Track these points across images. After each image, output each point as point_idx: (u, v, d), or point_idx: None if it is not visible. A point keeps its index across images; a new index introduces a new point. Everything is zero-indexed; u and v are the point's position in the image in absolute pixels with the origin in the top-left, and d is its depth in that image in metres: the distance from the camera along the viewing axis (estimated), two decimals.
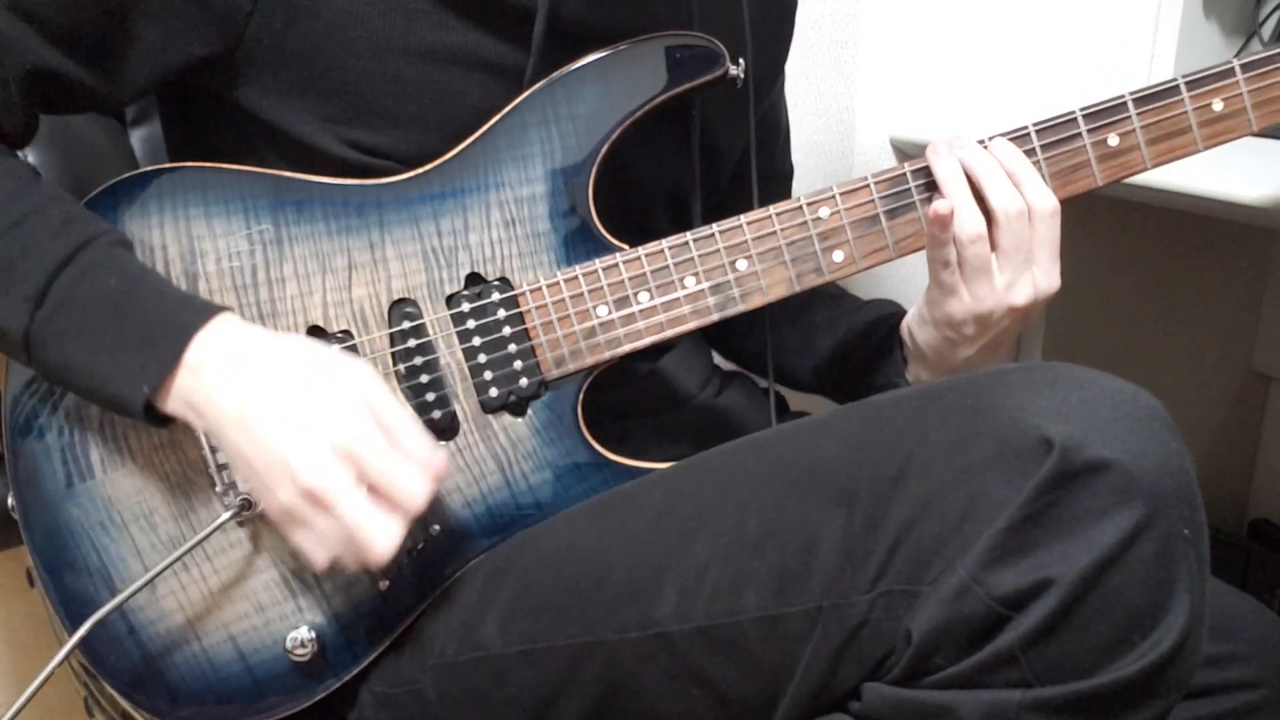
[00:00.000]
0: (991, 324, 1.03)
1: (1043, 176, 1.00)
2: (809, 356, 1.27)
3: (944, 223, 0.99)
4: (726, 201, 1.07)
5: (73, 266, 0.90)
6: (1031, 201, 0.98)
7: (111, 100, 1.00)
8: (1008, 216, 0.98)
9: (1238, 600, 1.07)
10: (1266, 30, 1.76)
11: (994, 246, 0.99)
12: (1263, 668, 1.02)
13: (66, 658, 0.93)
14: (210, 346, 0.89)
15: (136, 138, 1.29)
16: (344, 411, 0.86)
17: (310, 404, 0.87)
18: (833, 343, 1.25)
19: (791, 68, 1.31)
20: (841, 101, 1.64)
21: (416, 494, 0.87)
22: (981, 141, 1.01)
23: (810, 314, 1.28)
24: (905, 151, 1.65)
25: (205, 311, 0.90)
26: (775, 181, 1.31)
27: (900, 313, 1.17)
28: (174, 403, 0.89)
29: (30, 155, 1.05)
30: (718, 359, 1.31)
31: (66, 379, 0.92)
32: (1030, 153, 1.00)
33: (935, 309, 1.06)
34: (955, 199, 0.99)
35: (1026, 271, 1.00)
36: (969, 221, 0.99)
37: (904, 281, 1.58)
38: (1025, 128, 1.00)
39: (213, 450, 0.97)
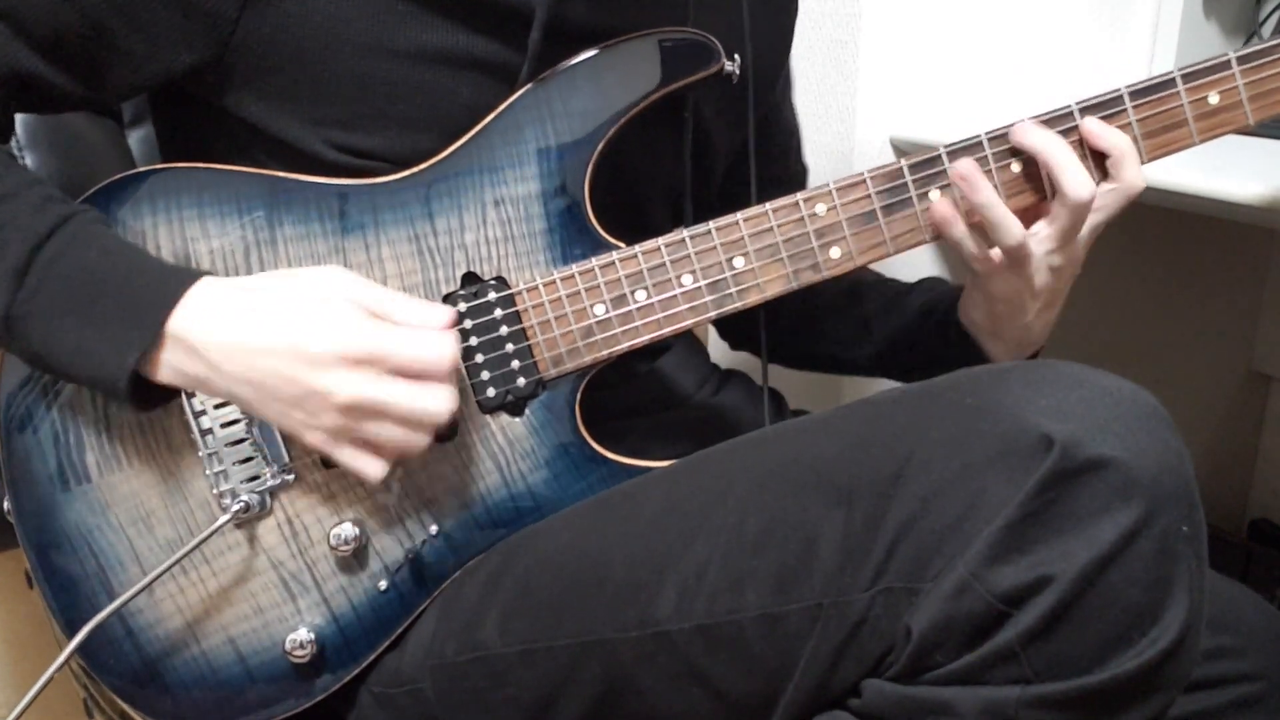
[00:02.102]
0: (1037, 293, 1.04)
1: (1043, 170, 1.00)
2: (867, 345, 1.27)
3: (949, 223, 1.00)
4: (733, 202, 1.07)
5: (54, 241, 0.90)
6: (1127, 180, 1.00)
7: (92, 104, 1.01)
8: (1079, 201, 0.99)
9: (1237, 593, 1.07)
10: (1267, 30, 1.76)
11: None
12: (1262, 660, 1.02)
13: (65, 664, 0.93)
14: (192, 312, 0.89)
15: (134, 138, 1.29)
16: (338, 322, 0.88)
17: (309, 329, 0.88)
18: (890, 329, 1.25)
19: (791, 67, 1.31)
20: (841, 101, 1.64)
21: (444, 355, 0.90)
22: (982, 138, 1.00)
23: (859, 305, 1.28)
24: (905, 151, 1.65)
25: (185, 279, 0.91)
26: (789, 184, 1.30)
27: (951, 292, 1.17)
28: (165, 371, 0.90)
29: (27, 155, 1.05)
30: (716, 357, 1.31)
31: (49, 358, 0.91)
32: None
33: (985, 290, 1.06)
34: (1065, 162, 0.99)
35: (1070, 245, 1.01)
36: (1083, 184, 0.99)
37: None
38: (1022, 121, 1.00)
39: (210, 454, 0.97)
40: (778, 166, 1.31)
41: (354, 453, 0.90)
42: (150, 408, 0.94)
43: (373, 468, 0.90)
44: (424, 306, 0.91)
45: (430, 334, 0.90)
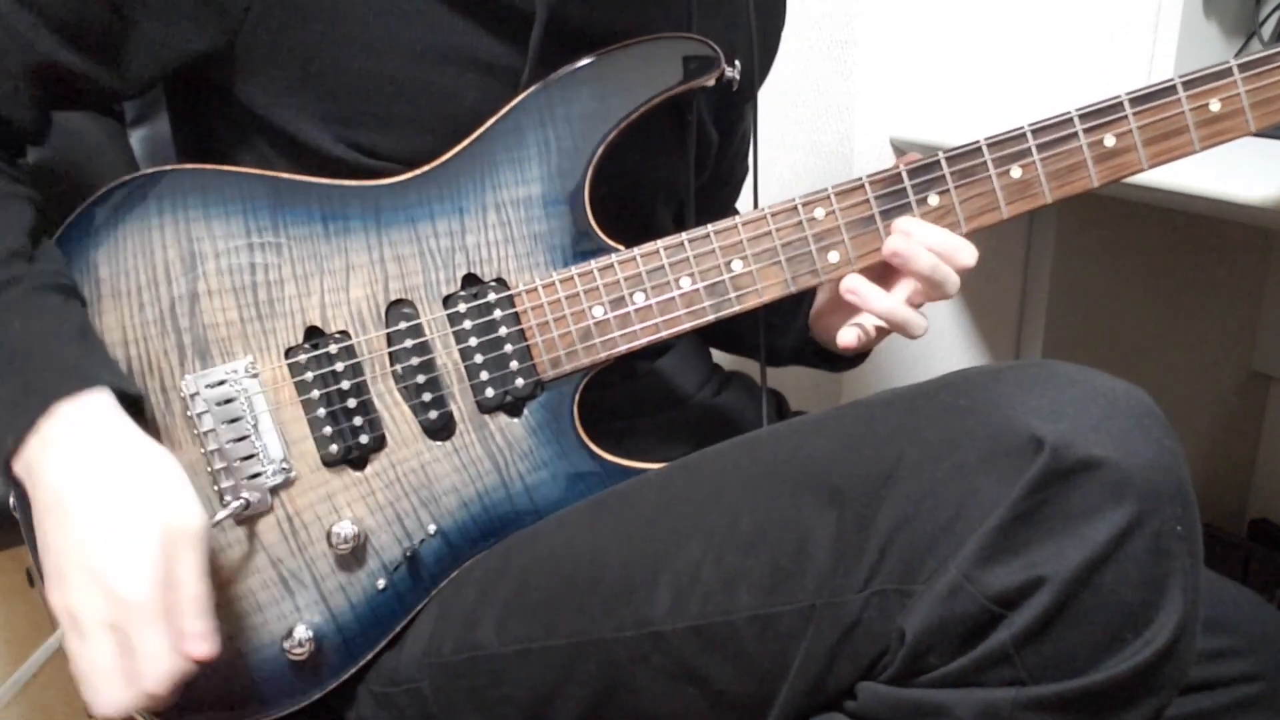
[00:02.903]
0: None
1: (1039, 177, 1.00)
2: (788, 335, 1.27)
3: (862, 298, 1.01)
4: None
5: None
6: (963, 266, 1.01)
7: (118, 95, 1.01)
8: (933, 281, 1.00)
9: (1236, 593, 1.07)
10: (1266, 30, 1.76)
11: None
12: (1261, 661, 1.02)
13: (56, 647, 0.93)
14: (63, 424, 0.87)
15: (136, 138, 1.30)
16: (136, 556, 0.84)
17: (111, 532, 0.84)
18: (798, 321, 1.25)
19: (792, 68, 1.31)
20: (841, 101, 1.65)
21: (156, 677, 0.84)
22: (981, 144, 1.01)
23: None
24: (905, 151, 1.65)
25: (82, 381, 0.89)
26: (735, 187, 1.32)
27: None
28: (19, 464, 0.88)
29: (30, 155, 1.05)
30: (717, 358, 1.31)
31: None
32: (1026, 153, 1.00)
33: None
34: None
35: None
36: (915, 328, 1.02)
37: None
38: (1021, 128, 1.00)
39: (211, 451, 0.97)
40: (731, 171, 1.31)
41: (79, 647, 0.85)
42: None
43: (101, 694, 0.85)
44: (203, 621, 0.87)
45: (173, 652, 0.85)
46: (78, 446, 0.87)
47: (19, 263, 0.92)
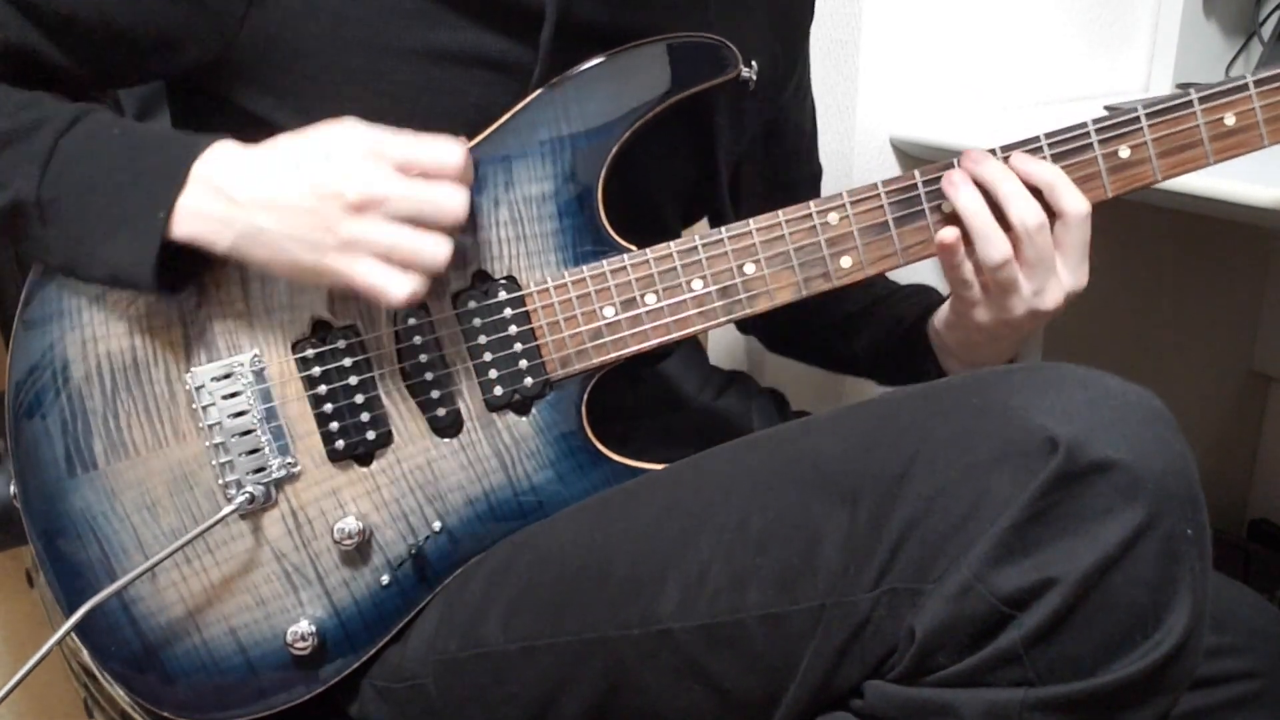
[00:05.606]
0: (1020, 327, 1.02)
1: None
2: (850, 342, 1.28)
3: (951, 250, 0.99)
4: (736, 206, 1.07)
5: (79, 127, 0.92)
6: (1064, 207, 0.98)
7: (91, 89, 1.01)
8: (1029, 231, 0.97)
9: (1235, 592, 1.07)
10: (1266, 30, 1.77)
11: (1019, 260, 0.99)
12: (1260, 659, 1.02)
13: (63, 639, 0.93)
14: (216, 159, 0.91)
15: None
16: (362, 135, 0.90)
17: (330, 141, 0.90)
18: (870, 331, 1.25)
19: (809, 71, 1.31)
20: (841, 101, 1.64)
21: (456, 154, 0.91)
22: (996, 151, 1.00)
23: (843, 301, 1.27)
24: (905, 151, 1.65)
25: (208, 137, 0.93)
26: (796, 188, 1.30)
27: (933, 304, 1.17)
28: (187, 220, 0.91)
29: None
30: (716, 359, 1.31)
31: (77, 245, 0.93)
32: (1044, 161, 1.00)
33: (962, 317, 1.06)
34: (978, 228, 0.98)
35: (1054, 276, 0.99)
36: (994, 249, 0.98)
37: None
38: (1037, 138, 1.00)
39: (217, 444, 0.97)
40: (786, 171, 1.31)
41: (374, 267, 0.90)
42: (172, 288, 0.95)
43: (395, 282, 0.90)
44: (439, 149, 0.92)
45: (443, 141, 0.91)
46: (246, 156, 0.92)
47: (87, 104, 0.95)
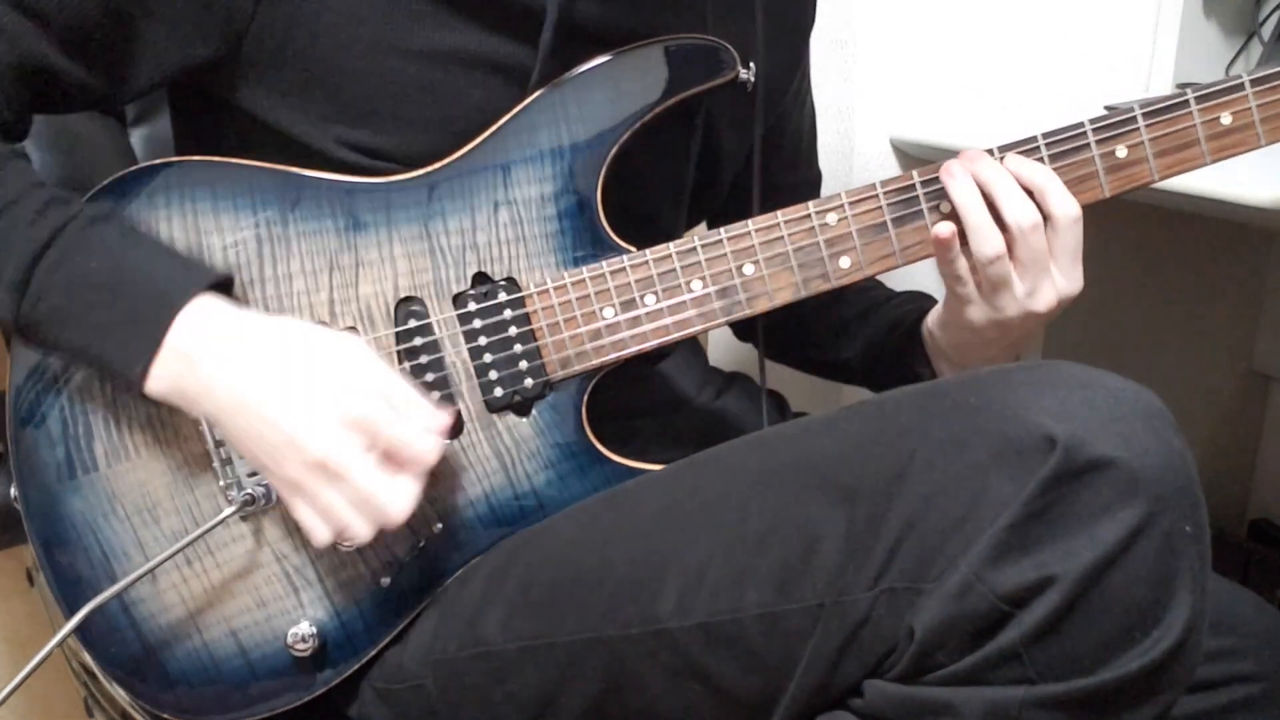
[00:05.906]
0: (1013, 329, 1.03)
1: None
2: (844, 349, 1.28)
3: (946, 245, 0.99)
4: (738, 208, 1.07)
5: (50, 253, 0.91)
6: (1053, 210, 0.98)
7: (108, 100, 1.01)
8: (1022, 230, 0.97)
9: (1237, 594, 1.07)
10: (1266, 30, 1.77)
11: (1012, 258, 0.99)
12: (1261, 662, 1.02)
13: (62, 642, 0.93)
14: (194, 330, 0.90)
15: (137, 137, 1.30)
16: (346, 384, 0.88)
17: (311, 381, 0.89)
18: (864, 336, 1.25)
19: (809, 74, 1.31)
20: (841, 101, 1.64)
21: (428, 451, 0.90)
22: (993, 151, 1.00)
23: (839, 308, 1.28)
24: (905, 151, 1.66)
25: (185, 290, 0.91)
26: (796, 190, 1.30)
27: (927, 308, 1.17)
28: (159, 383, 0.90)
29: (30, 155, 1.05)
30: (716, 360, 1.31)
31: (69, 359, 0.95)
32: (1038, 163, 1.00)
33: (956, 315, 1.06)
34: (972, 221, 0.98)
35: (1047, 278, 1.00)
36: (987, 243, 0.98)
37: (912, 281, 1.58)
38: (1034, 138, 1.00)
39: (217, 445, 0.97)
40: (786, 173, 1.31)
41: (307, 512, 0.90)
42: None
43: (319, 532, 0.90)
44: (429, 405, 0.91)
45: (426, 429, 0.90)
46: (226, 338, 0.90)
47: (60, 208, 0.93)
